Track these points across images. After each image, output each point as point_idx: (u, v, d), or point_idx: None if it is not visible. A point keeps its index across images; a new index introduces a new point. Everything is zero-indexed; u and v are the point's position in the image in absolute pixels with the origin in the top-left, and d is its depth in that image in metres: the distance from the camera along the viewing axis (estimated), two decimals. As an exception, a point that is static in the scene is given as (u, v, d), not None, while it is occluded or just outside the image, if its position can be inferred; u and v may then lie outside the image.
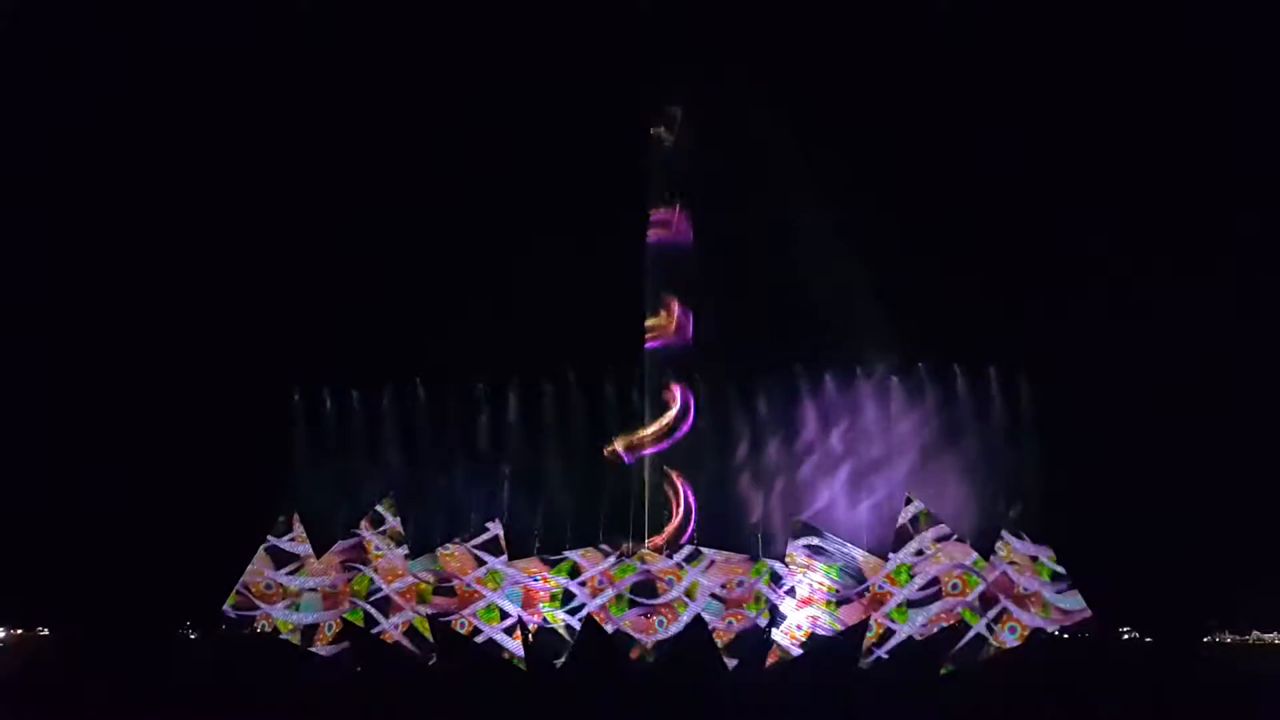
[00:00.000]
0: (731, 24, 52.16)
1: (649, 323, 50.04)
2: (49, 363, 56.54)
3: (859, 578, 42.83)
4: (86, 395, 56.33)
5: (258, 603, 44.37)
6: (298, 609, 44.48)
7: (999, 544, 42.76)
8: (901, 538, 43.19)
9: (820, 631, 42.34)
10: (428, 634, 43.53)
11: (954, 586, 42.34)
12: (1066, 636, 42.46)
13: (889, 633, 42.02)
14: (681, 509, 48.26)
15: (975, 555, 42.74)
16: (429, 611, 43.69)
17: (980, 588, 42.19)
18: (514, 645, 43.07)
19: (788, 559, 43.38)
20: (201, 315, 55.95)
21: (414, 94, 55.90)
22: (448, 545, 45.16)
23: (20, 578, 54.25)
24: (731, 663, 42.08)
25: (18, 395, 54.70)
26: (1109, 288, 51.89)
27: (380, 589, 44.10)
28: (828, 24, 54.80)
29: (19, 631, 66.49)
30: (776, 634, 42.44)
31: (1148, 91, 53.84)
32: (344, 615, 44.04)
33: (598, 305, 50.28)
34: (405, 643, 43.49)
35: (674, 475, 48.68)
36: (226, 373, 53.46)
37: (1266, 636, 58.09)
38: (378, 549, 44.79)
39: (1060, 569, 42.34)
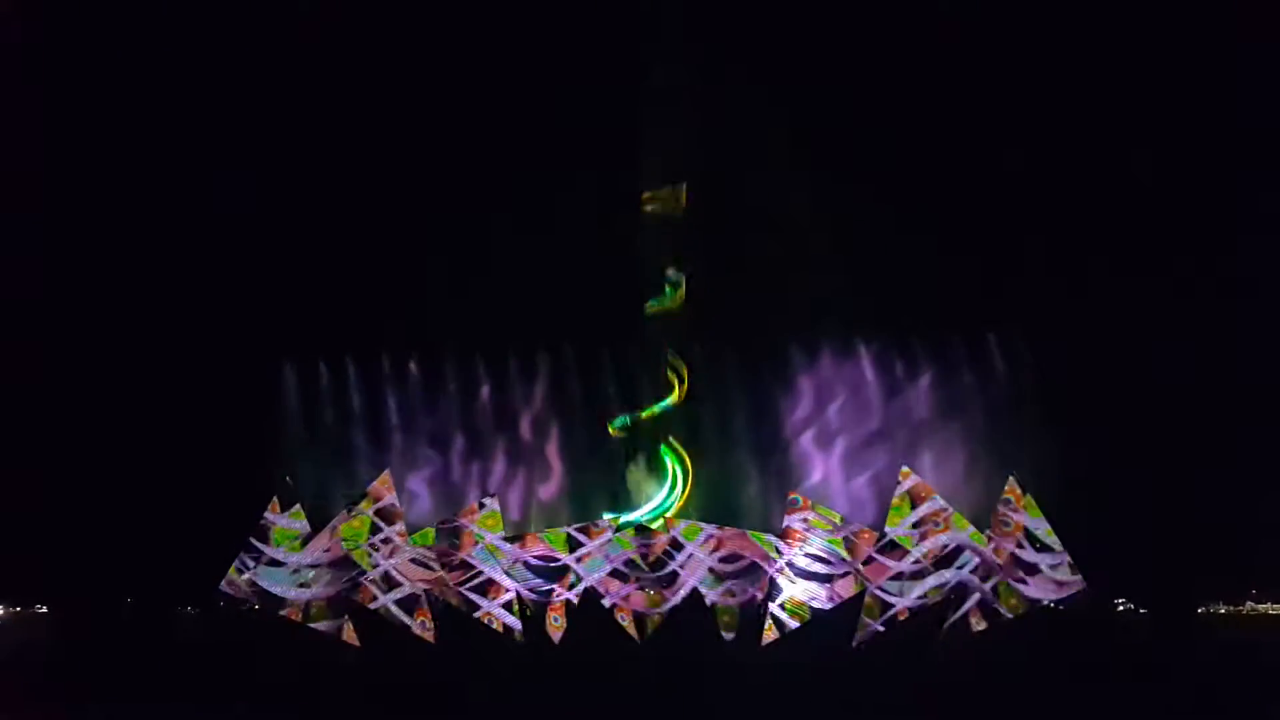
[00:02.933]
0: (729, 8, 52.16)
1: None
2: (47, 347, 56.65)
3: (855, 551, 42.98)
4: (84, 377, 56.44)
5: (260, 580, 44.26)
6: (306, 585, 44.48)
7: (995, 516, 42.95)
8: (898, 510, 43.28)
9: (816, 604, 42.51)
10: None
11: (948, 559, 42.47)
12: (1062, 608, 42.58)
13: (885, 606, 42.18)
14: (682, 482, 48.36)
15: (971, 528, 42.85)
16: (429, 587, 43.78)
17: (976, 560, 42.35)
18: (512, 619, 43.18)
19: (784, 532, 43.55)
20: (197, 291, 55.87)
21: (408, 67, 55.55)
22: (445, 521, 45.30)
23: (19, 557, 54.47)
24: (728, 636, 42.21)
25: (17, 377, 54.92)
26: (1111, 258, 51.99)
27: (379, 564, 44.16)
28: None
29: (18, 609, 66.93)
30: (773, 608, 42.58)
31: (1148, 72, 53.86)
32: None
33: (595, 277, 50.19)
34: (404, 618, 43.58)
35: (674, 448, 48.75)
36: (220, 348, 53.43)
37: (1261, 607, 58.52)
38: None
39: (1055, 541, 42.51)
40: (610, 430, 48.51)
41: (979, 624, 41.84)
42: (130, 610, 58.21)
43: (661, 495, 47.90)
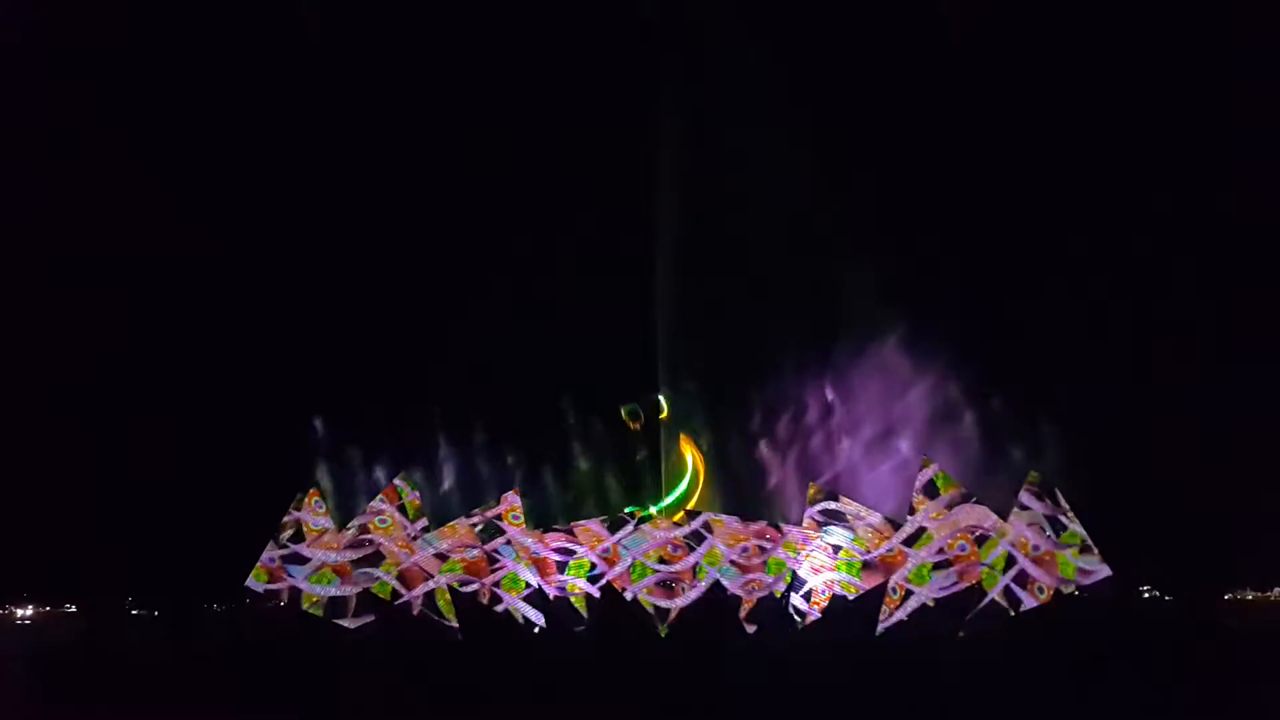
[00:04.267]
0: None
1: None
2: (81, 359, 57.92)
3: (877, 541, 42.90)
4: (119, 385, 57.46)
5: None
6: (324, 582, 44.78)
7: (1016, 505, 42.76)
8: (919, 501, 43.13)
9: (839, 594, 42.44)
10: (449, 605, 43.79)
11: (964, 548, 42.26)
12: (1086, 596, 42.29)
13: (908, 595, 42.05)
14: (695, 477, 48.45)
15: (993, 517, 42.65)
16: (451, 581, 43.96)
17: (999, 550, 42.12)
18: (534, 614, 43.34)
19: (806, 524, 43.50)
20: (228, 319, 57.04)
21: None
22: (467, 518, 45.49)
23: (48, 557, 55.17)
24: (750, 629, 42.22)
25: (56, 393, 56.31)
26: (1130, 260, 52.10)
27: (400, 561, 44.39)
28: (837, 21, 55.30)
29: (47, 608, 67.74)
30: (795, 599, 42.55)
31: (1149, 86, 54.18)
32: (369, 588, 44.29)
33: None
34: (429, 614, 43.77)
35: (689, 444, 48.82)
36: (244, 359, 54.32)
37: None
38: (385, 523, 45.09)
39: (1080, 529, 42.25)
40: (622, 415, 48.63)
41: (1003, 612, 41.60)
42: (156, 608, 58.90)
43: (679, 488, 48.05)
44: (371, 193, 56.73)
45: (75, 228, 58.90)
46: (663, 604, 42.93)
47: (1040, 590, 41.60)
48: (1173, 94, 53.57)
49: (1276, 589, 59.41)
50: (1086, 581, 41.82)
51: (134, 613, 63.25)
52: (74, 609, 66.78)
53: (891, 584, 42.12)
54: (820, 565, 42.93)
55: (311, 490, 46.16)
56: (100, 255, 58.57)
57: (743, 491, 47.55)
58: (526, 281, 52.66)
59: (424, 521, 45.33)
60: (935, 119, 53.67)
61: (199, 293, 58.56)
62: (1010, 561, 41.90)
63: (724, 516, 44.70)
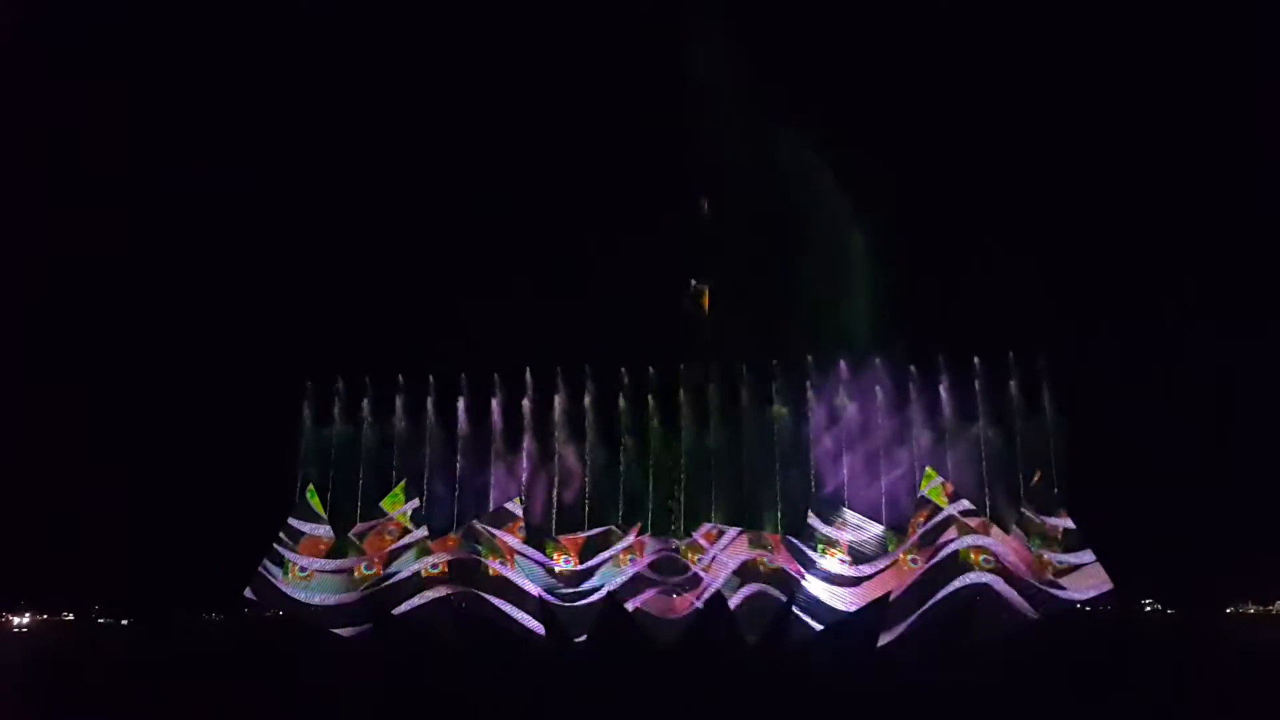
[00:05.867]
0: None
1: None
2: (82, 368, 58.06)
3: (878, 552, 42.81)
4: (120, 391, 57.55)
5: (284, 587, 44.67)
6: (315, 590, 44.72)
7: (1019, 516, 42.70)
8: (920, 512, 43.06)
9: (841, 607, 42.28)
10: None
11: (968, 560, 42.12)
12: (1089, 609, 42.18)
13: (909, 607, 41.84)
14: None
15: (994, 528, 42.57)
16: (454, 590, 43.84)
17: (999, 561, 41.97)
18: (534, 623, 43.12)
19: (808, 535, 43.40)
20: (225, 311, 57.08)
21: (445, 87, 56.88)
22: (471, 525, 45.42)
23: (45, 566, 55.08)
24: (751, 639, 42.06)
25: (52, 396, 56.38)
26: (1132, 267, 52.31)
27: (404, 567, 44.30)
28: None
29: (44, 616, 67.55)
30: (797, 610, 42.37)
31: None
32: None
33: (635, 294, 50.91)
34: (427, 619, 43.64)
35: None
36: (255, 362, 54.36)
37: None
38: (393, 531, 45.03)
39: (1081, 542, 42.14)
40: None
41: (1004, 624, 41.44)
42: (158, 617, 58.77)
43: None
44: (396, 192, 57.21)
45: (72, 229, 58.89)
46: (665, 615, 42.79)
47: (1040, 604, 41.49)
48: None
49: (1278, 603, 59.22)
50: (1089, 595, 41.71)
51: (100, 621, 63.53)
52: (71, 617, 66.71)
53: (893, 595, 41.95)
54: (822, 576, 42.77)
55: (311, 496, 46.15)
56: (98, 258, 58.55)
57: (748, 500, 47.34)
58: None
59: (424, 529, 45.25)
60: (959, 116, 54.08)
61: (200, 300, 58.49)
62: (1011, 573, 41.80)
63: (726, 527, 44.61)
